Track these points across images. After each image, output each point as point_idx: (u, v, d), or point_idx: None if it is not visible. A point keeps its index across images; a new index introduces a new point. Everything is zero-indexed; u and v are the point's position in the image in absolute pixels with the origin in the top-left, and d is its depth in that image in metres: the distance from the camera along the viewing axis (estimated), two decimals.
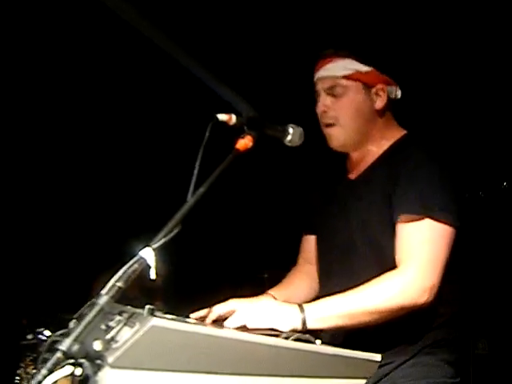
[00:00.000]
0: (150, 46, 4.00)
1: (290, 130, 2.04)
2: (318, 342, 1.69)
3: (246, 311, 1.91)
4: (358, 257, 2.16)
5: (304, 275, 2.49)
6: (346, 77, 2.23)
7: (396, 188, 2.10)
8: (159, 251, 1.57)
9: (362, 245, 2.17)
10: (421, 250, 2.00)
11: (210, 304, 2.08)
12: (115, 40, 4.10)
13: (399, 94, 2.32)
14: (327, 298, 2.00)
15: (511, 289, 5.43)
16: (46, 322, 1.87)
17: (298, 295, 2.39)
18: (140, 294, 4.22)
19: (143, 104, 4.85)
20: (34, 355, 1.78)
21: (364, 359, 1.64)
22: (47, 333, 1.79)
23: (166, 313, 1.71)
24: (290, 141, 2.05)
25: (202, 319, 2.03)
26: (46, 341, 1.71)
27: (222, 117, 1.90)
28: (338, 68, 2.24)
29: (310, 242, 2.51)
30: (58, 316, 2.27)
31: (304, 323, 1.90)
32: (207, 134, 1.84)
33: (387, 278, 2.01)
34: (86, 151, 4.93)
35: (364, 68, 2.24)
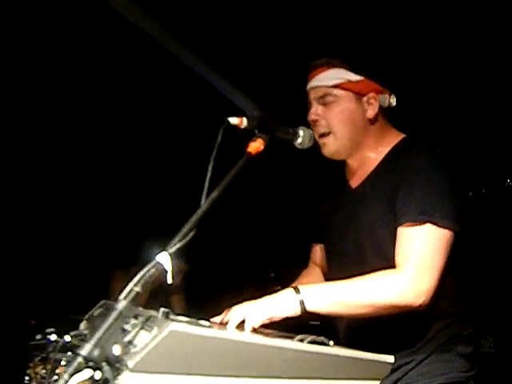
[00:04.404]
0: (159, 50, 4.00)
1: (301, 133, 2.06)
2: (332, 343, 1.70)
3: (242, 311, 1.90)
4: (368, 267, 2.13)
5: (317, 275, 2.53)
6: (337, 86, 2.24)
7: (398, 195, 2.10)
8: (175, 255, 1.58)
9: (371, 255, 2.18)
10: (420, 254, 2.01)
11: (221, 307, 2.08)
12: (121, 41, 4.10)
13: (394, 101, 2.31)
14: (322, 283, 2.03)
15: None
16: (55, 322, 1.88)
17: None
18: (158, 289, 4.23)
19: (154, 110, 4.87)
20: (43, 355, 1.78)
21: (377, 361, 1.66)
22: (54, 335, 1.79)
23: (178, 314, 1.72)
24: (300, 143, 2.06)
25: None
26: (55, 341, 1.73)
27: (233, 120, 1.89)
28: (329, 77, 2.25)
29: (318, 250, 2.55)
30: (66, 316, 2.29)
31: (302, 304, 1.92)
32: (219, 138, 1.84)
33: (387, 274, 2.02)
34: (103, 155, 4.97)
35: (355, 77, 2.24)
